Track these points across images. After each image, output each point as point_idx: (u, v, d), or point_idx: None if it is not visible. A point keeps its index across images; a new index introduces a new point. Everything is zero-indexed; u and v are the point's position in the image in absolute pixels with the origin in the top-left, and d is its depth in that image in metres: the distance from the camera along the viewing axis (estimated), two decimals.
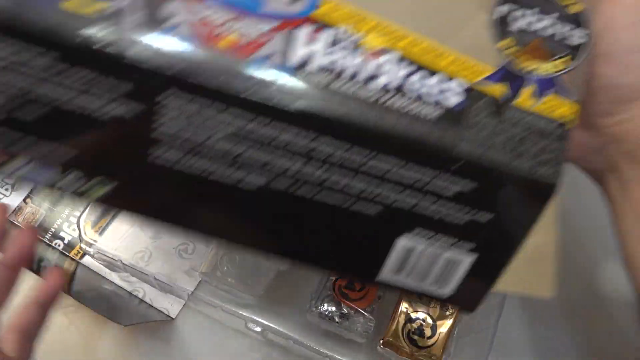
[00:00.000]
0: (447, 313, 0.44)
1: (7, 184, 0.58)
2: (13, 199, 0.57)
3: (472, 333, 0.46)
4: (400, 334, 0.43)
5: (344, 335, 0.44)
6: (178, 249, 0.53)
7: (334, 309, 0.44)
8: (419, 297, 0.38)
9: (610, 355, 0.51)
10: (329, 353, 0.43)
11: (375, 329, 0.44)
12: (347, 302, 0.43)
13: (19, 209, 0.56)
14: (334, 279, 0.44)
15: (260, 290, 0.44)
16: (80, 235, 0.54)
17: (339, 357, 0.43)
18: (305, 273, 0.51)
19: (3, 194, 0.57)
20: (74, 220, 0.56)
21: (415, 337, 0.43)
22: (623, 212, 0.32)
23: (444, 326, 0.44)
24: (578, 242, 0.57)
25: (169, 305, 0.52)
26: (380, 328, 0.44)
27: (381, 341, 0.43)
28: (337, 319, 0.43)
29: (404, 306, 0.44)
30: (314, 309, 0.44)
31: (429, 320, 0.44)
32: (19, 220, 0.55)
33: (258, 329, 0.41)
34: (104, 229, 0.55)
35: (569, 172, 0.24)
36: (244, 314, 0.44)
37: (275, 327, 0.43)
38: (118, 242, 0.54)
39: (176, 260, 0.52)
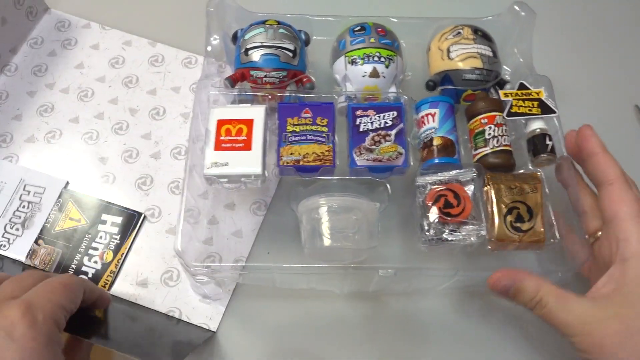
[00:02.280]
0: (531, 192, 0.50)
1: (17, 224, 0.59)
2: (25, 240, 0.58)
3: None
4: (506, 229, 0.49)
5: (460, 244, 0.49)
6: (205, 262, 0.56)
7: (441, 228, 0.49)
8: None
9: None
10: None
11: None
12: (452, 219, 0.49)
13: (32, 252, 0.57)
14: (428, 206, 0.50)
15: (375, 242, 0.50)
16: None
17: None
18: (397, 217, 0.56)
19: (15, 234, 0.58)
20: (94, 252, 0.58)
21: (518, 224, 0.49)
22: None
23: (536, 205, 0.50)
24: None
25: (208, 320, 0.55)
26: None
27: (492, 240, 0.49)
28: (449, 237, 0.49)
29: (498, 204, 0.50)
30: (423, 236, 0.50)
31: (522, 205, 0.50)
32: (35, 263, 0.57)
33: (391, 271, 0.47)
34: (125, 256, 0.58)
35: None
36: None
37: (402, 265, 0.49)
38: (143, 264, 0.57)
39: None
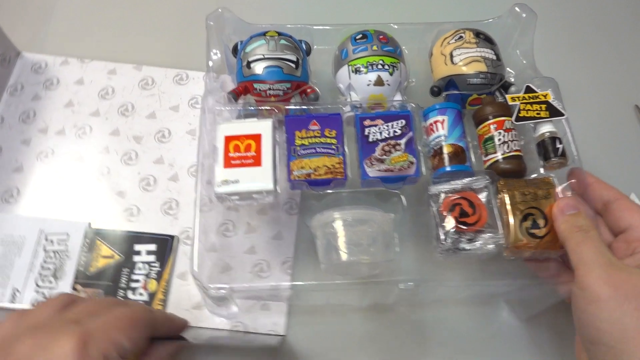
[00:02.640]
0: (545, 197, 0.50)
1: (48, 276, 0.57)
2: (61, 290, 0.56)
3: None
4: (522, 235, 0.49)
5: (477, 252, 0.49)
6: (255, 269, 0.57)
7: (458, 238, 0.49)
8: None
9: None
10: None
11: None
12: (469, 228, 0.49)
13: None
14: (444, 215, 0.50)
15: (392, 254, 0.49)
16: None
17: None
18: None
19: (49, 287, 0.56)
20: (136, 284, 0.57)
21: (534, 230, 0.49)
22: None
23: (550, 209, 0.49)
24: None
25: (274, 326, 0.55)
26: None
27: (509, 247, 0.49)
28: (466, 246, 0.49)
29: (513, 211, 0.50)
30: (440, 248, 0.49)
31: (537, 210, 0.49)
32: None
33: (411, 284, 0.46)
34: (169, 281, 0.57)
35: None
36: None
37: (419, 277, 0.48)
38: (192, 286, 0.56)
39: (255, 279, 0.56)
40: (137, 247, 0.59)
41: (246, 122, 0.54)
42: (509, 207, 0.49)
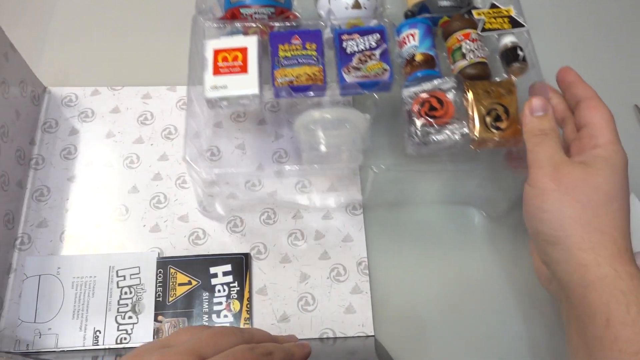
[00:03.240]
0: (507, 94, 0.54)
1: (127, 312, 0.56)
2: (144, 324, 0.55)
3: None
4: (486, 128, 0.53)
5: (446, 144, 0.53)
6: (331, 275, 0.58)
7: (427, 131, 0.53)
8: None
9: None
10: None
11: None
12: (437, 121, 0.53)
13: (158, 331, 0.55)
14: (415, 112, 0.54)
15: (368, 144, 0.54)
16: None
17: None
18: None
19: (131, 322, 0.55)
20: (219, 307, 0.56)
21: (497, 123, 0.54)
22: (569, 337, 0.43)
23: (512, 105, 0.54)
24: None
25: (362, 327, 0.55)
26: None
27: (474, 140, 0.53)
28: (435, 137, 0.53)
29: (477, 106, 0.54)
30: (411, 141, 0.54)
31: (500, 106, 0.54)
32: None
33: (383, 166, 0.51)
34: (250, 299, 0.57)
35: None
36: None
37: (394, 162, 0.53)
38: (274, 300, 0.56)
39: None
40: (213, 269, 0.58)
41: (234, 38, 0.59)
42: (473, 102, 0.54)
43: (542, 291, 0.52)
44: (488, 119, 0.54)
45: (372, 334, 0.55)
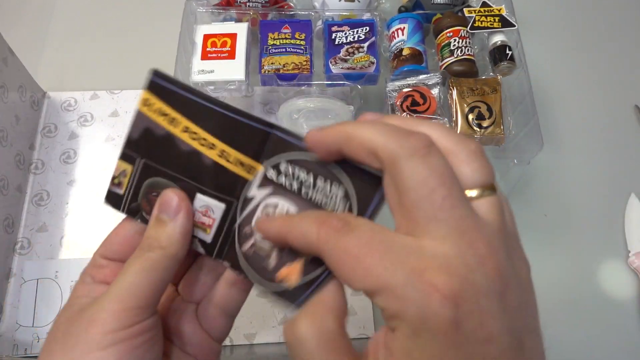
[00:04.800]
0: (491, 92, 0.54)
1: None
2: None
3: (516, 106, 0.56)
4: (468, 125, 0.54)
5: None
6: None
7: None
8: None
9: None
10: None
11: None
12: (419, 116, 0.54)
13: None
14: (397, 105, 0.54)
15: None
16: None
17: None
18: None
19: None
20: None
21: (479, 121, 0.54)
22: None
23: (496, 104, 0.54)
24: None
25: (362, 329, 0.54)
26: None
27: None
28: None
29: (460, 104, 0.54)
30: None
31: (483, 104, 0.54)
32: None
33: None
34: None
35: None
36: None
37: None
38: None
39: None
40: None
41: (224, 24, 0.60)
42: (457, 99, 0.54)
43: (542, 290, 0.51)
44: (471, 117, 0.54)
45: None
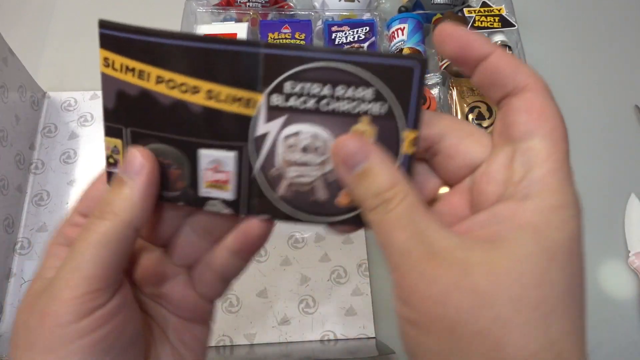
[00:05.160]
0: None
1: None
2: None
3: None
4: None
5: None
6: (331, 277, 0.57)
7: None
8: None
9: None
10: None
11: None
12: None
13: None
14: None
15: None
16: None
17: None
18: None
19: None
20: None
21: (479, 121, 0.54)
22: None
23: None
24: None
25: (363, 329, 0.54)
26: None
27: None
28: None
29: (460, 104, 0.54)
30: None
31: (483, 104, 0.54)
32: None
33: None
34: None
35: None
36: None
37: None
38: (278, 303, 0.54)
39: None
40: None
41: (224, 24, 0.60)
42: (456, 100, 0.54)
43: None
44: (471, 117, 0.54)
45: (374, 335, 0.54)
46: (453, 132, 0.23)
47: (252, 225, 0.24)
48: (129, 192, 0.22)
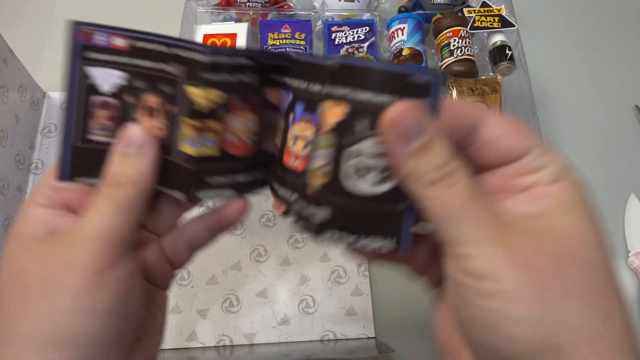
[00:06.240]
0: (491, 92, 0.55)
1: None
2: None
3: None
4: None
5: None
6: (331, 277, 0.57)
7: None
8: None
9: None
10: None
11: None
12: None
13: None
14: None
15: None
16: None
17: None
18: None
19: None
20: None
21: None
22: None
23: (496, 103, 0.54)
24: None
25: (362, 329, 0.54)
26: None
27: None
28: None
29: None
30: None
31: (483, 104, 0.54)
32: None
33: None
34: None
35: None
36: None
37: None
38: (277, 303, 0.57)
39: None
40: None
41: (224, 24, 0.60)
42: (456, 100, 0.54)
43: None
44: None
45: (374, 335, 0.54)
46: (491, 123, 0.23)
47: (231, 210, 0.27)
48: (141, 163, 0.24)
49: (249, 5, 0.63)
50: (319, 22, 0.62)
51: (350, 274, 0.57)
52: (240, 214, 0.27)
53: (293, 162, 0.25)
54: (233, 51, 0.24)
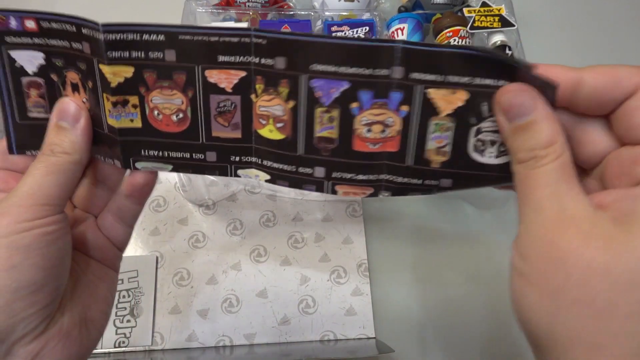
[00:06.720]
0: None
1: (126, 315, 0.54)
2: (141, 327, 0.53)
3: None
4: None
5: None
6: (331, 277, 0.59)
7: None
8: None
9: None
10: None
11: None
12: None
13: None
14: None
15: None
16: None
17: None
18: None
19: (129, 326, 0.53)
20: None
21: None
22: None
23: None
24: None
25: (362, 329, 0.54)
26: None
27: None
28: None
29: None
30: None
31: None
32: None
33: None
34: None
35: None
36: None
37: None
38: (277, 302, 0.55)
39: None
40: None
41: (224, 24, 0.60)
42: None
43: None
44: None
45: (374, 335, 0.54)
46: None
47: (136, 176, 0.29)
48: (75, 135, 0.27)
49: (248, 5, 0.63)
50: (319, 22, 0.62)
51: (350, 274, 0.56)
52: (146, 179, 0.29)
53: (373, 147, 0.26)
54: (129, 27, 0.25)
